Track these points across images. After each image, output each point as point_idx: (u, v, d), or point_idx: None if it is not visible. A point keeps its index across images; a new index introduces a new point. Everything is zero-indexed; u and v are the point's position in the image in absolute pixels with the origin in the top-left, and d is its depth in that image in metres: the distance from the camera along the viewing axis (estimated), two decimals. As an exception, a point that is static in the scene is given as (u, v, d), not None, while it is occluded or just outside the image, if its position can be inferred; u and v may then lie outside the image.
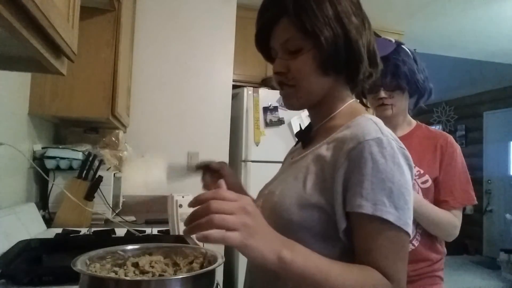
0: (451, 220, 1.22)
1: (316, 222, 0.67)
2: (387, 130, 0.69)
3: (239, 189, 0.98)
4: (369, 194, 0.62)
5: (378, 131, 0.67)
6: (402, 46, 1.33)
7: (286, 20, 0.72)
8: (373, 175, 0.63)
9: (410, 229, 0.64)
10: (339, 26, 0.71)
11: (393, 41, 1.33)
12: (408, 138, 1.29)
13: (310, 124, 0.83)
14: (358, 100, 0.83)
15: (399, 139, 1.27)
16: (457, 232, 1.24)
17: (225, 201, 0.55)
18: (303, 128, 0.87)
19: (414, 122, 1.37)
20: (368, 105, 1.37)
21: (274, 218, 0.70)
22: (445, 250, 1.29)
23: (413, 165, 0.70)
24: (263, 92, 2.73)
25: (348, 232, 0.66)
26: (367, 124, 0.69)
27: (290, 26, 0.72)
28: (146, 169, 2.42)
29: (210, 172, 0.98)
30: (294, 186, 0.72)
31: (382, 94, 1.28)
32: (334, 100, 0.78)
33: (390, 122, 1.30)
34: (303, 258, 0.58)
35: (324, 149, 0.72)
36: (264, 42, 0.79)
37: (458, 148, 1.29)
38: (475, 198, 1.27)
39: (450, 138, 1.30)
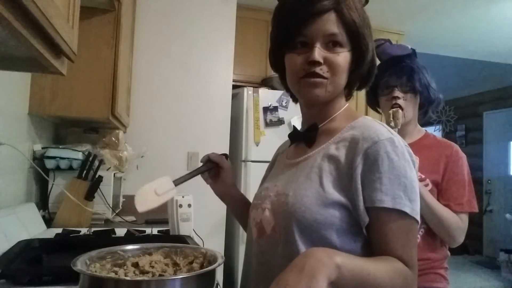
0: (456, 222, 1.24)
1: (338, 219, 0.70)
2: (393, 131, 0.75)
3: (230, 187, 1.01)
4: (388, 189, 0.68)
5: (388, 131, 0.73)
6: (416, 58, 1.38)
7: (335, 15, 0.75)
8: (389, 172, 0.68)
9: (419, 218, 0.70)
10: (371, 41, 0.79)
11: (410, 47, 1.39)
12: (416, 146, 1.31)
13: (315, 124, 0.83)
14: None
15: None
16: (461, 237, 1.25)
17: None
18: (298, 129, 0.89)
19: (423, 131, 1.40)
20: (380, 110, 1.40)
21: (295, 220, 0.72)
22: (447, 253, 1.30)
23: (415, 160, 0.76)
24: (263, 92, 2.73)
25: (367, 226, 0.70)
26: (376, 125, 0.74)
27: (338, 22, 0.75)
28: (146, 169, 2.42)
29: (210, 165, 1.00)
30: (310, 186, 0.74)
31: (397, 93, 1.30)
32: (338, 102, 0.82)
33: (401, 129, 1.33)
34: (347, 257, 0.61)
35: (333, 149, 0.76)
36: (300, 28, 0.77)
37: (463, 157, 1.31)
38: (477, 207, 1.29)
39: (456, 147, 1.32)
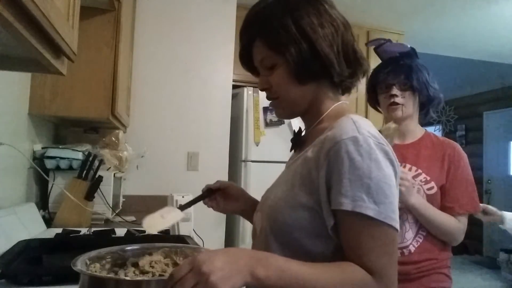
0: (456, 225, 1.25)
1: (308, 222, 0.70)
2: (365, 129, 0.70)
3: (242, 195, 1.01)
4: (348, 191, 0.65)
5: (355, 130, 0.69)
6: (418, 58, 1.38)
7: (258, 42, 0.79)
8: (350, 173, 0.65)
9: (394, 222, 0.65)
10: (304, 40, 0.74)
11: (409, 46, 1.39)
12: (417, 146, 1.33)
13: (300, 129, 0.87)
14: (348, 102, 0.86)
15: (408, 146, 1.32)
16: (461, 237, 1.27)
17: (182, 279, 0.57)
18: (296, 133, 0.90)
19: (423, 130, 1.40)
20: (380, 108, 1.41)
21: (270, 222, 0.76)
22: (451, 253, 1.31)
23: (394, 158, 0.71)
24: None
25: (337, 230, 0.69)
26: (346, 124, 0.71)
27: (263, 47, 0.78)
28: (146, 169, 2.42)
29: (209, 193, 1.00)
30: (286, 189, 0.76)
31: (395, 90, 1.31)
32: (321, 104, 0.81)
33: (401, 128, 1.34)
34: (278, 271, 0.61)
35: (310, 152, 0.75)
36: (248, 63, 0.86)
37: (465, 157, 1.31)
38: (480, 205, 1.30)
39: (458, 147, 1.32)
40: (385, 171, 0.67)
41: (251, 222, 1.02)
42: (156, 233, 0.83)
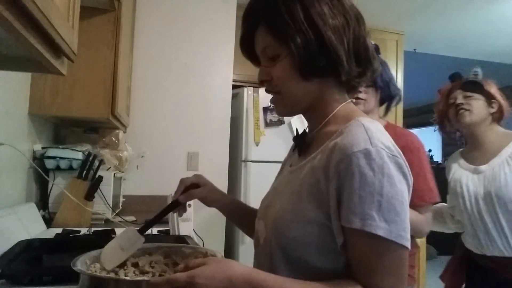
0: (416, 218, 1.22)
1: (317, 237, 0.66)
2: (378, 138, 0.64)
3: (214, 201, 0.94)
4: (357, 208, 0.61)
5: (367, 140, 0.63)
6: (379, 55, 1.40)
7: (262, 29, 0.73)
8: (361, 189, 0.61)
9: (404, 240, 0.61)
10: (312, 31, 0.67)
11: (373, 43, 1.40)
12: None
13: (304, 130, 0.81)
14: (354, 100, 0.82)
15: None
16: (426, 228, 1.26)
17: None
18: (299, 132, 0.82)
19: (384, 122, 1.40)
20: None
21: (276, 236, 0.71)
22: (414, 250, 1.28)
23: (407, 171, 0.66)
24: (263, 92, 2.73)
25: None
26: (357, 132, 0.65)
27: (266, 34, 0.72)
28: (146, 169, 2.42)
29: (175, 205, 0.91)
30: (293, 201, 0.70)
31: None
32: (325, 103, 0.75)
33: None
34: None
35: (317, 160, 0.69)
36: (250, 51, 0.79)
37: (419, 147, 1.31)
38: (437, 195, 1.28)
39: (411, 137, 1.32)
40: (398, 187, 0.62)
41: (229, 218, 0.99)
42: (113, 267, 0.76)
